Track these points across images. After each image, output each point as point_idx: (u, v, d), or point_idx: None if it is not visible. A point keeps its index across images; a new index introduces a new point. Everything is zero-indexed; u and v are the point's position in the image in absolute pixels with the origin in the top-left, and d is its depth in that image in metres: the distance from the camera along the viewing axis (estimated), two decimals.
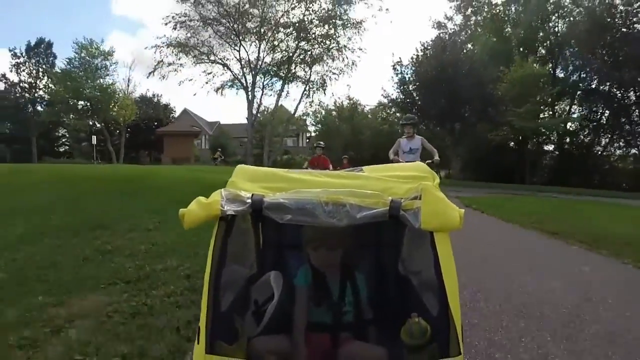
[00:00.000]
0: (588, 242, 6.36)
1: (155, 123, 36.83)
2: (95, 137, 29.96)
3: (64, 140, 40.53)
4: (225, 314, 1.54)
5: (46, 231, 5.41)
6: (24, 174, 11.44)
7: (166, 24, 19.83)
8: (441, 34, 24.84)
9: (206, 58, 19.50)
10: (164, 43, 19.34)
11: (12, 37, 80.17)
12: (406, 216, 1.33)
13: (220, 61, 19.34)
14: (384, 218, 1.35)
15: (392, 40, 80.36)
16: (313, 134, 36.35)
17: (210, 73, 20.21)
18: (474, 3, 24.06)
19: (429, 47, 25.22)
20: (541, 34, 22.34)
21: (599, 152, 27.83)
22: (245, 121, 22.99)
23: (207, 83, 20.92)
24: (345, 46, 19.63)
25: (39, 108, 36.71)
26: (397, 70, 27.05)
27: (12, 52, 36.54)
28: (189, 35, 19.03)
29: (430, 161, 5.77)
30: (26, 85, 36.91)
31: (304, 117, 27.01)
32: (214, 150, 34.54)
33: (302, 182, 1.58)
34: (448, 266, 1.32)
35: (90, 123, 33.36)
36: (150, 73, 22.45)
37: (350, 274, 1.80)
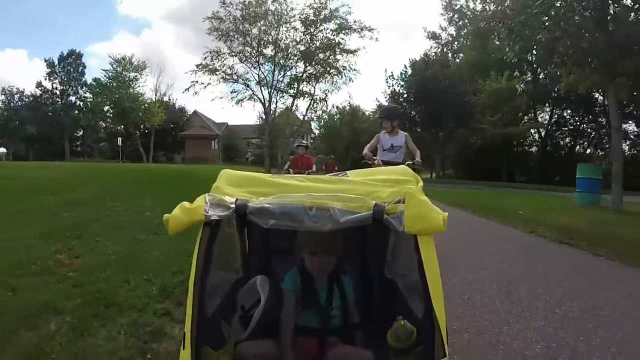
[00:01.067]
0: (477, 211, 10.70)
1: (172, 125, 40.21)
2: (120, 138, 34.12)
3: (81, 141, 45.31)
4: (211, 319, 1.53)
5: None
6: (105, 171, 14.73)
7: (204, 55, 24.74)
8: (432, 47, 26.85)
9: (231, 78, 24.65)
10: (199, 68, 24.12)
11: (25, 37, 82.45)
12: (390, 220, 1.33)
13: (242, 81, 24.49)
14: (368, 222, 1.35)
15: (394, 47, 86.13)
16: (317, 136, 39.84)
17: (235, 91, 25.51)
18: (460, 17, 24.77)
19: (415, 63, 28.72)
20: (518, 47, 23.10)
21: (582, 153, 31.14)
22: (252, 122, 31.30)
23: (232, 99, 25.91)
24: (343, 67, 24.03)
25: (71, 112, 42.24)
26: (389, 83, 31.21)
27: (47, 62, 42.57)
28: (218, 62, 24.17)
29: (411, 162, 5.11)
30: (57, 92, 42.54)
31: (309, 121, 31.58)
32: (224, 150, 40.33)
33: (286, 187, 1.58)
34: (432, 269, 1.32)
35: (119, 127, 38.08)
36: (186, 89, 27.12)
37: (338, 278, 1.80)
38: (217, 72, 24.18)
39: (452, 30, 28.59)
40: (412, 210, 1.32)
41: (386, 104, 29.22)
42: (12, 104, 43.06)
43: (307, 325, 1.72)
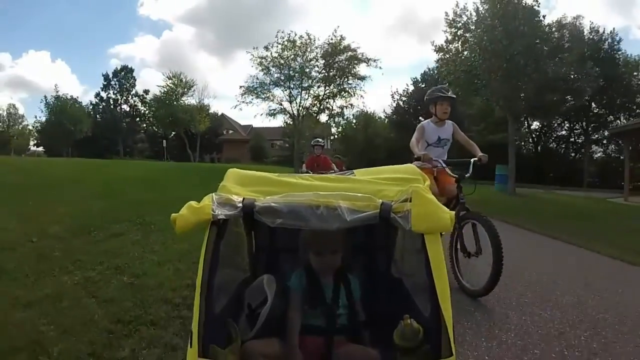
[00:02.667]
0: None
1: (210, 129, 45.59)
2: (164, 141, 40.65)
3: (123, 143, 50.81)
4: (218, 317, 1.54)
5: None
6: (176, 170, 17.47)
7: (246, 81, 30.50)
8: (439, 59, 27.24)
9: (268, 98, 30.55)
10: (243, 90, 30.01)
11: (48, 39, 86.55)
12: (397, 218, 1.33)
13: (277, 101, 30.42)
14: (375, 221, 1.35)
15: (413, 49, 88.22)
16: (335, 138, 43.79)
17: (272, 109, 31.01)
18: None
19: (416, 81, 33.53)
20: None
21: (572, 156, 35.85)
22: (276, 125, 35.10)
23: (269, 114, 31.03)
24: (354, 87, 30.07)
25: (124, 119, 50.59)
26: (394, 98, 38.43)
27: (104, 76, 51.55)
28: (259, 87, 30.32)
29: (475, 158, 3.97)
30: (111, 101, 51.00)
31: (330, 124, 34.90)
32: (252, 150, 47.62)
33: (293, 186, 1.58)
34: (439, 268, 1.32)
35: (159, 131, 46.12)
36: (233, 107, 36.30)
37: (344, 276, 1.80)
38: (257, 93, 30.39)
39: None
40: (419, 209, 1.32)
41: (393, 115, 34.82)
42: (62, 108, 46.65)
43: (313, 324, 1.72)
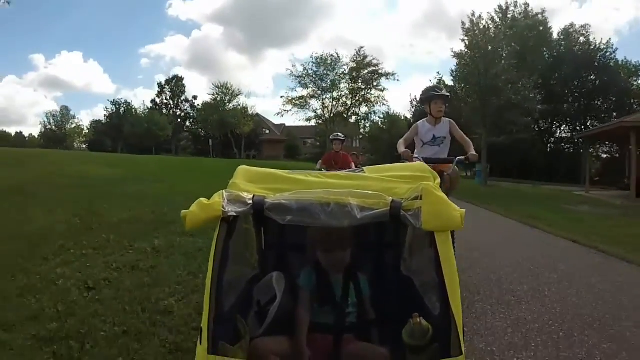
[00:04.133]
0: None
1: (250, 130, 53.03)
2: (211, 140, 48.86)
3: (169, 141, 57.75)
4: (227, 314, 1.54)
5: None
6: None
7: (286, 92, 35.91)
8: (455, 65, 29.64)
9: (305, 107, 36.46)
10: (284, 100, 36.27)
11: (80, 40, 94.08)
12: (407, 216, 1.33)
13: (312, 109, 35.58)
14: (385, 218, 1.35)
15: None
16: (363, 136, 48.19)
17: (309, 118, 37.28)
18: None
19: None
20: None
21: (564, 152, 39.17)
22: (308, 124, 41.08)
23: (306, 120, 37.16)
24: (377, 97, 35.99)
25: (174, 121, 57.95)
26: (413, 104, 40.65)
27: (158, 84, 59.71)
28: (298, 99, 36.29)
29: (462, 157, 3.94)
30: (164, 107, 58.55)
31: (359, 124, 40.75)
32: (286, 149, 54.37)
33: (303, 183, 1.58)
34: (449, 266, 1.31)
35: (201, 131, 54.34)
36: (276, 114, 40.67)
37: (353, 274, 1.80)
38: (295, 101, 36.49)
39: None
40: (430, 207, 1.31)
41: (412, 119, 36.56)
42: (120, 113, 57.68)
43: (322, 321, 1.72)
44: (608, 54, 36.62)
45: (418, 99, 4.98)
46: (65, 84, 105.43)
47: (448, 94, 4.53)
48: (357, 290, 1.77)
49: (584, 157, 23.72)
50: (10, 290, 3.30)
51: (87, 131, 64.01)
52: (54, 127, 63.08)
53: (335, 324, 1.72)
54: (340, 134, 8.36)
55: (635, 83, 36.32)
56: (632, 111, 27.36)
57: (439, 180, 1.61)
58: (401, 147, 4.08)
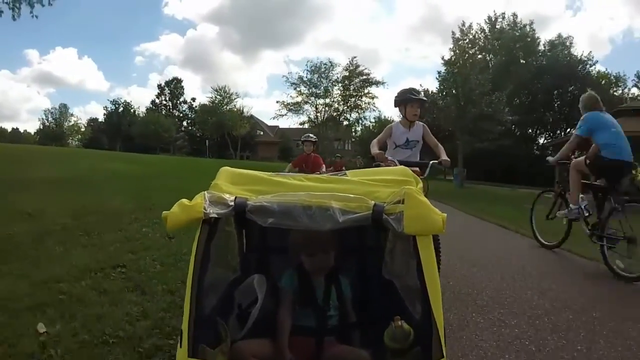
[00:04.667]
0: None
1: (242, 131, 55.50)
2: (207, 141, 52.29)
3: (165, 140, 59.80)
4: (208, 317, 1.53)
5: None
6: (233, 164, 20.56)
7: (284, 103, 39.71)
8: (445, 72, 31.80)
9: (298, 111, 38.79)
10: (280, 105, 38.13)
11: (74, 36, 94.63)
12: (389, 220, 1.33)
13: (307, 114, 38.29)
14: (367, 222, 1.35)
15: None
16: (355, 140, 50.19)
17: (304, 121, 39.12)
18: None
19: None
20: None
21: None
22: (300, 126, 43.20)
23: (301, 124, 39.05)
24: (368, 103, 38.13)
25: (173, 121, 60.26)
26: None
27: (159, 86, 62.74)
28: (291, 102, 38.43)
29: (436, 161, 3.94)
30: (163, 107, 61.39)
31: (351, 127, 43.18)
32: (280, 150, 56.52)
33: (286, 186, 1.58)
34: (430, 270, 1.32)
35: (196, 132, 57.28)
36: (272, 118, 42.65)
37: (335, 277, 1.80)
38: (290, 107, 38.76)
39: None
40: (412, 211, 1.32)
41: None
42: (119, 113, 61.25)
43: (304, 324, 1.72)
44: (588, 65, 39.51)
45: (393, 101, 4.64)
46: (59, 80, 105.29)
47: (425, 99, 4.46)
48: (339, 293, 1.77)
49: (537, 164, 26.64)
50: (121, 238, 5.02)
51: (84, 129, 66.08)
52: (52, 124, 66.25)
53: (316, 326, 1.72)
54: (311, 135, 8.00)
55: (615, 93, 38.68)
56: None
57: (421, 184, 1.62)
58: (374, 148, 4.05)
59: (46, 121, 66.56)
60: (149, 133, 52.55)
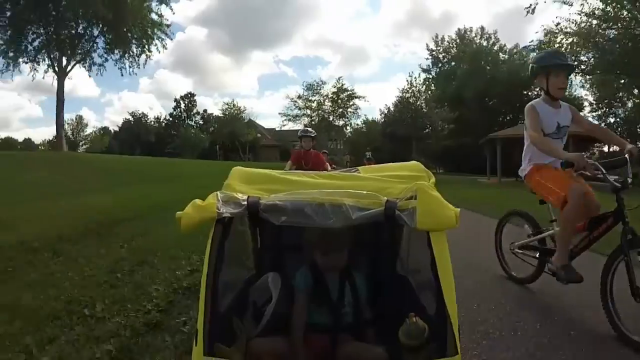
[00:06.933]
0: None
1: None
2: (217, 146, 56.97)
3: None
4: (223, 315, 1.54)
5: None
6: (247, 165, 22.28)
7: (283, 111, 45.00)
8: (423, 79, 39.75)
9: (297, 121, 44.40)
10: (283, 116, 44.52)
11: None
12: (402, 216, 1.32)
13: (303, 123, 42.97)
14: (380, 218, 1.35)
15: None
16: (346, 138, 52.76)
17: (299, 130, 42.05)
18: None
19: (394, 103, 41.26)
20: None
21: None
22: (296, 128, 46.20)
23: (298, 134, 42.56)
24: (352, 112, 44.18)
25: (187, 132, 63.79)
26: (382, 111, 45.43)
27: (175, 100, 66.50)
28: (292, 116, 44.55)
29: (624, 157, 2.79)
30: (176, 119, 65.42)
31: (343, 127, 47.63)
32: (281, 153, 59.00)
33: (298, 184, 1.58)
34: (444, 265, 1.31)
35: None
36: (280, 126, 49.39)
37: (349, 274, 1.80)
38: (289, 117, 44.96)
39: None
40: (424, 206, 1.31)
41: (385, 128, 41.13)
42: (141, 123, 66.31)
43: (318, 322, 1.72)
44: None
45: (529, 71, 3.11)
46: (50, 87, 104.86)
47: (574, 64, 3.36)
48: (353, 290, 1.77)
49: (484, 156, 28.85)
50: None
51: (102, 138, 71.01)
52: (70, 134, 69.21)
53: (331, 324, 1.72)
54: (310, 130, 7.25)
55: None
56: None
57: (433, 179, 1.61)
58: (549, 144, 2.94)
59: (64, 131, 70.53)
60: (191, 144, 59.08)
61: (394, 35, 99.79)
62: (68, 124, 68.54)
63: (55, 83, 28.20)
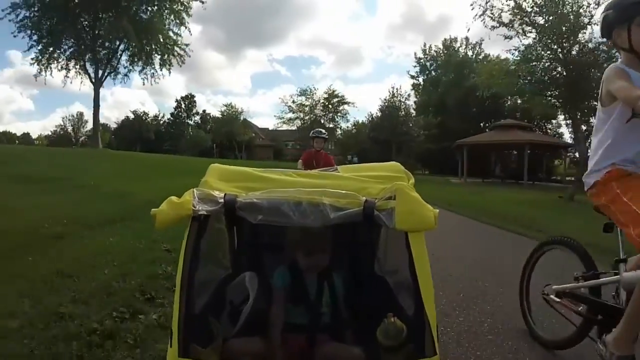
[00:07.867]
0: None
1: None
2: (215, 145, 58.93)
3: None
4: (199, 315, 1.51)
5: None
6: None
7: (279, 113, 44.87)
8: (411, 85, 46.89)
9: (292, 123, 47.85)
10: (277, 118, 44.62)
11: None
12: (380, 216, 1.32)
13: (296, 125, 47.40)
14: (358, 218, 1.33)
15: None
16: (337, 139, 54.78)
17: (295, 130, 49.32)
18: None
19: (380, 109, 44.14)
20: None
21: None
22: (289, 128, 53.37)
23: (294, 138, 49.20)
24: (341, 116, 48.00)
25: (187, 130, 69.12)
26: (368, 116, 49.34)
27: (176, 100, 70.54)
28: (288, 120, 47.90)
29: None
30: (177, 118, 69.17)
31: (335, 128, 49.75)
32: (274, 152, 63.69)
33: (276, 182, 1.56)
34: (422, 266, 1.31)
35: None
36: (275, 126, 49.33)
37: (328, 274, 1.78)
38: (285, 122, 48.29)
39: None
40: (403, 206, 1.30)
41: (370, 132, 44.50)
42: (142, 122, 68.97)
43: (296, 322, 1.70)
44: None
45: (601, 22, 2.15)
46: (42, 81, 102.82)
47: None
48: (331, 290, 1.75)
49: (456, 159, 31.50)
50: None
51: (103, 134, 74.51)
52: (71, 130, 76.14)
53: (309, 324, 1.70)
54: (322, 131, 7.29)
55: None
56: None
57: (412, 180, 1.60)
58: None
59: (63, 127, 75.90)
60: (193, 143, 62.27)
61: (389, 37, 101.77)
62: (69, 120, 75.62)
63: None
